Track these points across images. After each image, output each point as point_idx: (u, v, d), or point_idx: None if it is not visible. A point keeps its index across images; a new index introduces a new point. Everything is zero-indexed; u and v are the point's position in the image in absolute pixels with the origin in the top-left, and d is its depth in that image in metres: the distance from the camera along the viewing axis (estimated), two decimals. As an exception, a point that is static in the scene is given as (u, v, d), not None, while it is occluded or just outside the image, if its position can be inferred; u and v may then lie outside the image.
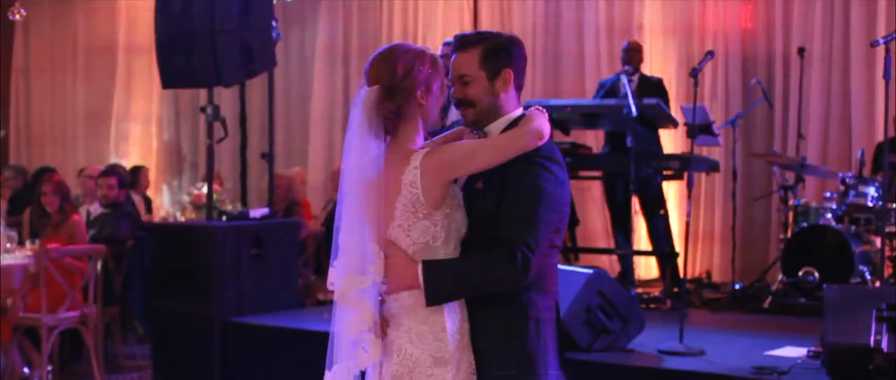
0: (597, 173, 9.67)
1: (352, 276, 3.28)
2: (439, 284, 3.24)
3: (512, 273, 3.22)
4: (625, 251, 9.02)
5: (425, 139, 3.47)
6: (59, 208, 8.19)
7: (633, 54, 9.51)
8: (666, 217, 9.39)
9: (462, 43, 3.46)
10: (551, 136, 3.46)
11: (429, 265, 3.24)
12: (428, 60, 3.37)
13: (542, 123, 3.36)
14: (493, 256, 3.25)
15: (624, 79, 8.86)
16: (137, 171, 11.90)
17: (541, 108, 3.51)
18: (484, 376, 3.32)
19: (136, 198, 11.27)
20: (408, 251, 3.29)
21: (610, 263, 10.47)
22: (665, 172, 9.00)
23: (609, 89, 9.44)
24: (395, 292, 3.31)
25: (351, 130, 3.33)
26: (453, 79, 3.48)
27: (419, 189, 3.26)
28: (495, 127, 3.45)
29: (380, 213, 3.29)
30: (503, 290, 3.29)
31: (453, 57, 3.47)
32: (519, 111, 3.48)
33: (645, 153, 8.56)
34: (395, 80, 3.32)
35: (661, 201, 9.34)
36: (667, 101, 9.25)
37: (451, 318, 3.29)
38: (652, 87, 9.28)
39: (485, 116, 3.45)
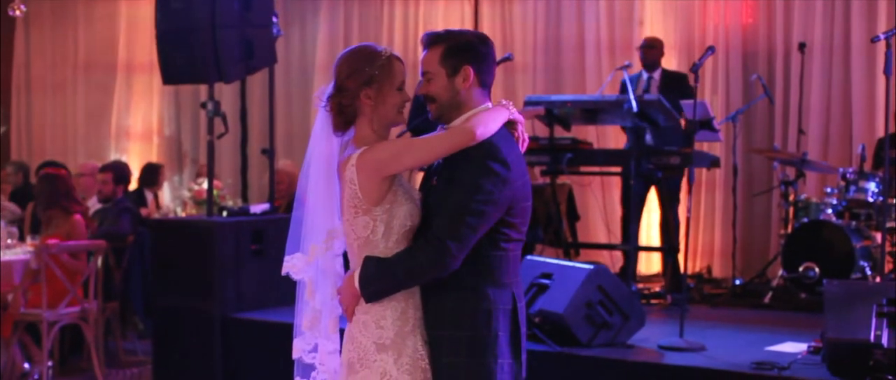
0: (616, 169, 9.60)
1: (299, 255, 3.61)
2: (369, 281, 3.43)
3: (427, 261, 3.38)
4: (625, 247, 9.01)
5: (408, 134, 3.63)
6: (59, 205, 8.18)
7: (650, 50, 9.47)
8: (677, 213, 9.37)
9: (428, 41, 3.61)
10: (502, 133, 3.52)
11: (361, 269, 3.45)
12: (378, 61, 3.51)
13: (483, 121, 3.45)
14: (412, 247, 3.44)
15: (625, 74, 8.85)
16: (155, 168, 11.88)
17: (505, 102, 3.62)
18: (435, 363, 3.47)
19: (150, 195, 11.29)
20: (354, 245, 3.51)
21: (610, 259, 10.47)
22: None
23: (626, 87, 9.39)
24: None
25: (315, 124, 3.61)
26: (420, 76, 3.62)
27: (357, 186, 3.44)
28: (458, 122, 3.57)
29: (330, 203, 3.56)
30: (426, 278, 3.44)
31: (422, 54, 3.62)
32: (484, 107, 3.59)
33: (645, 149, 8.56)
34: (341, 80, 3.52)
35: (678, 196, 9.29)
36: (692, 96, 9.20)
37: (392, 306, 3.47)
38: (676, 83, 9.23)
39: (447, 111, 3.58)
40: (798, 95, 9.98)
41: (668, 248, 9.14)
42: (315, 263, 3.61)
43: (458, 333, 3.45)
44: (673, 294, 8.58)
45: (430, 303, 3.50)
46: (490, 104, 3.61)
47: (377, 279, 3.42)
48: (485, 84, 3.60)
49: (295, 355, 3.67)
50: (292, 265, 3.62)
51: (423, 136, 3.64)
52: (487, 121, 3.46)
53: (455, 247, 3.35)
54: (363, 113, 3.51)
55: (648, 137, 8.78)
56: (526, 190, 3.55)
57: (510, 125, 3.60)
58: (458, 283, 3.43)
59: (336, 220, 3.56)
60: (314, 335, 3.64)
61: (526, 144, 3.66)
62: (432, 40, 3.59)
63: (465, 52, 3.56)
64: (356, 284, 3.44)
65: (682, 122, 8.85)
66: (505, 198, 3.43)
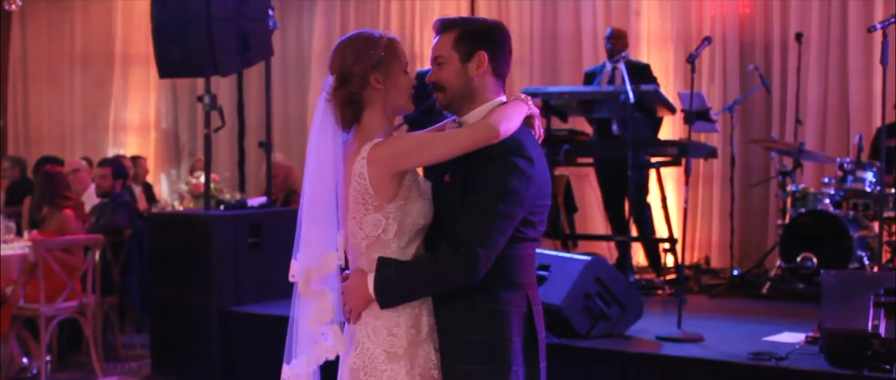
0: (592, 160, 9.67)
1: (311, 267, 3.29)
2: (388, 286, 3.22)
3: (456, 268, 3.17)
4: (624, 238, 9.02)
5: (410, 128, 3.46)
6: (52, 201, 8.19)
7: (616, 41, 9.49)
8: (649, 206, 9.40)
9: (441, 26, 3.42)
10: (526, 125, 3.38)
11: (378, 271, 3.22)
12: (381, 44, 3.31)
13: (506, 117, 3.27)
14: (437, 253, 3.21)
15: (621, 65, 8.85)
16: (134, 161, 11.91)
17: (523, 96, 3.43)
18: (447, 369, 3.29)
19: (136, 188, 11.28)
20: (361, 245, 3.28)
21: (608, 250, 10.47)
22: (663, 159, 9.00)
23: (592, 78, 9.46)
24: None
25: (314, 122, 3.34)
26: (431, 62, 3.43)
27: (367, 180, 3.23)
28: (475, 115, 3.38)
29: (339, 203, 3.29)
30: (452, 286, 3.24)
31: (434, 40, 3.43)
32: (500, 99, 3.40)
33: (642, 140, 8.56)
34: (346, 67, 3.30)
35: (645, 190, 9.32)
36: (657, 85, 9.24)
37: (406, 313, 3.27)
38: (640, 73, 9.25)
39: (458, 100, 3.39)
40: (795, 86, 9.98)
41: (668, 239, 9.14)
42: (327, 275, 3.31)
43: (471, 338, 3.25)
44: (668, 285, 8.60)
45: (441, 307, 3.30)
46: (504, 97, 3.42)
47: (398, 285, 3.22)
48: (499, 73, 3.40)
49: None
50: (302, 283, 3.32)
51: (443, 131, 3.45)
52: (511, 116, 3.27)
53: (485, 254, 3.16)
54: (372, 102, 3.30)
55: (614, 128, 8.87)
56: (547, 188, 3.36)
57: (527, 119, 3.41)
58: (469, 287, 3.23)
59: (335, 236, 3.31)
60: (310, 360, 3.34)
61: (541, 139, 3.48)
62: (446, 25, 3.40)
63: (480, 37, 3.37)
64: (370, 287, 3.23)
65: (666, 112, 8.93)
66: (530, 196, 3.25)
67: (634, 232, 9.16)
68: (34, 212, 8.51)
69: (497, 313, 3.27)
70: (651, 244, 9.43)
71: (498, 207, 3.18)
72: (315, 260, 3.30)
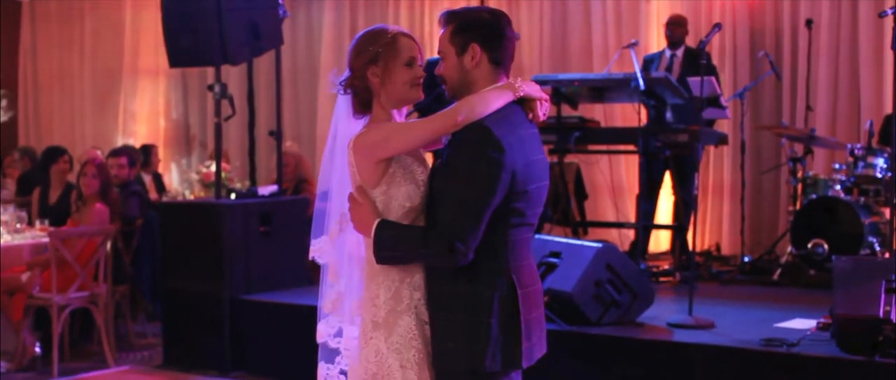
0: (631, 147, 9.55)
1: (324, 238, 3.58)
2: (380, 246, 3.37)
3: (436, 256, 3.33)
4: (632, 225, 9.01)
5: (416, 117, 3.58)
6: (94, 192, 8.20)
7: (676, 28, 9.47)
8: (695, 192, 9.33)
9: (442, 20, 3.54)
10: (503, 113, 3.38)
11: (376, 230, 3.38)
12: (383, 39, 3.49)
13: (472, 103, 3.36)
14: (431, 236, 3.33)
15: (667, 53, 8.81)
16: (148, 150, 11.94)
17: (510, 81, 3.49)
18: (433, 343, 3.44)
19: (146, 177, 11.30)
20: None
21: (619, 238, 10.47)
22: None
23: (650, 64, 9.41)
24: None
25: (336, 108, 3.60)
26: (438, 55, 3.56)
27: (354, 167, 3.44)
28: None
29: (344, 183, 3.52)
30: (433, 265, 3.42)
31: (440, 34, 3.56)
32: (492, 87, 3.45)
33: (653, 126, 8.54)
34: (350, 62, 3.53)
35: (692, 176, 9.22)
36: (715, 75, 9.20)
37: (385, 286, 3.45)
38: (699, 62, 9.20)
39: (459, 91, 3.49)
40: (805, 72, 9.96)
41: (677, 226, 9.13)
42: (340, 246, 3.58)
43: (452, 317, 3.39)
44: (681, 272, 8.59)
45: (429, 285, 3.45)
46: (504, 82, 3.48)
47: (388, 247, 3.37)
48: (497, 62, 3.47)
49: (319, 339, 3.64)
50: (318, 248, 3.59)
51: (417, 119, 3.58)
52: (476, 104, 3.35)
53: (462, 246, 3.27)
54: (375, 93, 3.49)
55: (668, 115, 8.78)
56: (530, 173, 3.41)
57: (524, 103, 3.47)
58: (454, 269, 3.35)
59: (335, 213, 3.55)
60: (337, 319, 3.62)
61: (541, 119, 3.53)
62: (445, 19, 3.52)
63: (472, 29, 3.45)
64: (370, 234, 3.38)
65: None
66: (503, 183, 3.31)
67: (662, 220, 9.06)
68: (74, 201, 8.51)
69: (477, 296, 3.38)
70: (680, 233, 9.31)
71: (468, 197, 3.29)
72: (327, 230, 3.58)
